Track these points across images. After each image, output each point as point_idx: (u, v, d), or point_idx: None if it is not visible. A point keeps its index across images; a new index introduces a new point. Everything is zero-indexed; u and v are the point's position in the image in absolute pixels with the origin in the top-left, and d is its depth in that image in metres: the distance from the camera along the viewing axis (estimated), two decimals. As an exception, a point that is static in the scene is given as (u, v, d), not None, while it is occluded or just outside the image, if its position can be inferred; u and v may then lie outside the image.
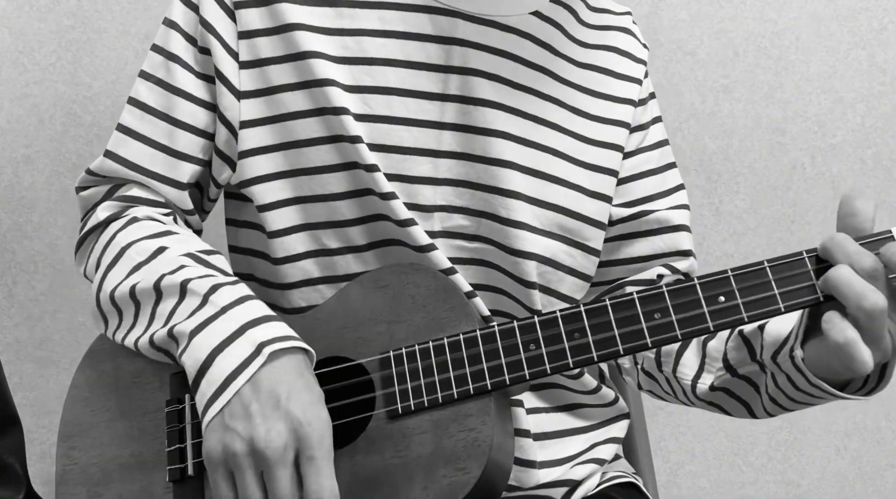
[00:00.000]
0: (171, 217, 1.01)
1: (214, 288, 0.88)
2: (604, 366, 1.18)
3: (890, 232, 0.82)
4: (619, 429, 1.11)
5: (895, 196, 1.68)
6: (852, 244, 0.80)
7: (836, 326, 0.79)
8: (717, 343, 1.02)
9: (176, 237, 0.97)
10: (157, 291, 0.91)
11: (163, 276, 0.91)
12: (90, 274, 1.00)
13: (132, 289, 0.92)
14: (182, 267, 0.91)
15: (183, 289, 0.89)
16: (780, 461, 1.73)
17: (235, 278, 0.92)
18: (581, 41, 1.07)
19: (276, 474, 0.80)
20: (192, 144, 1.00)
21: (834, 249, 0.81)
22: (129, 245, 0.95)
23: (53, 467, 0.96)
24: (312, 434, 0.81)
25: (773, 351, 0.92)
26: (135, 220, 0.99)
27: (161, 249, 0.94)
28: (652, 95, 1.13)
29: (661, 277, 1.09)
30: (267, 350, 0.83)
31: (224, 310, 0.87)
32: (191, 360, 0.85)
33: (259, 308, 0.88)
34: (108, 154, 1.01)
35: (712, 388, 1.02)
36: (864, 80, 1.66)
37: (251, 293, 0.90)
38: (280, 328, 0.86)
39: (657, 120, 1.13)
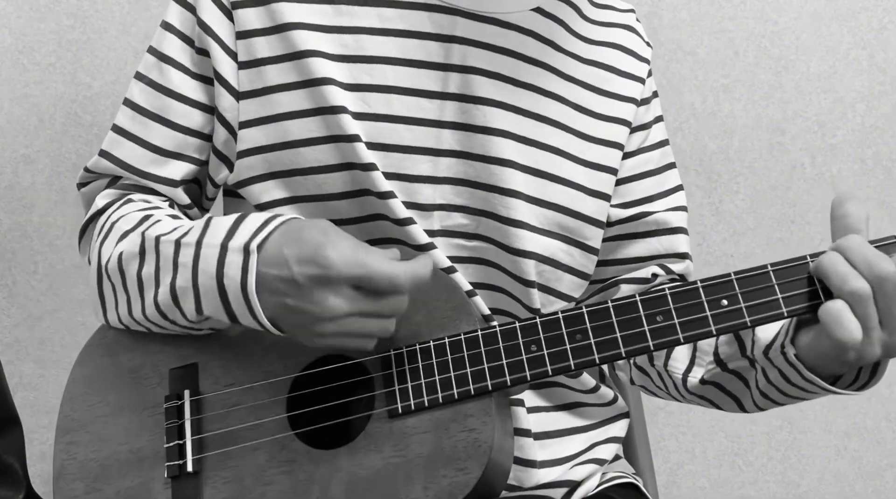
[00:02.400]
0: (168, 203, 1.02)
1: (185, 233, 0.90)
2: (604, 366, 1.18)
3: (895, 238, 0.82)
4: (619, 428, 1.11)
5: (895, 196, 1.68)
6: (869, 248, 0.81)
7: (826, 303, 0.81)
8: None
9: (164, 211, 0.98)
10: (141, 253, 0.92)
11: (143, 234, 0.93)
12: (91, 258, 1.01)
13: (119, 256, 0.94)
14: (158, 222, 0.94)
15: (157, 243, 0.91)
16: (780, 461, 1.73)
17: (205, 217, 0.93)
18: (584, 37, 1.06)
19: (361, 322, 0.83)
20: (183, 144, 1.01)
21: (847, 245, 0.81)
22: (119, 218, 0.97)
23: (52, 468, 0.96)
24: (341, 272, 0.81)
25: (765, 346, 0.92)
26: (129, 201, 1.00)
27: (146, 217, 0.96)
28: (655, 94, 1.13)
29: (655, 275, 1.09)
30: (253, 246, 0.84)
31: (199, 244, 0.88)
32: (210, 303, 0.87)
33: (226, 220, 0.89)
34: (103, 153, 1.03)
35: (702, 381, 1.02)
36: (864, 80, 1.66)
37: (212, 215, 0.91)
38: (252, 223, 0.87)
39: (659, 119, 1.13)
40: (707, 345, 1.02)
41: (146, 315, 0.93)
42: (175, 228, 0.92)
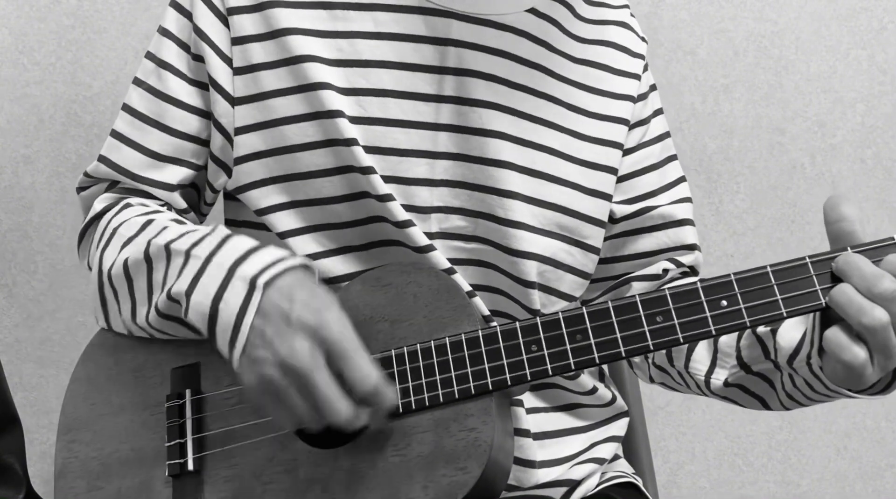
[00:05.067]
0: (166, 207, 1.02)
1: (196, 242, 0.89)
2: (604, 365, 1.18)
3: (893, 239, 0.82)
4: (619, 427, 1.11)
5: (895, 196, 1.68)
6: (869, 266, 0.81)
7: (844, 348, 0.80)
8: (729, 339, 1.02)
9: (166, 215, 0.98)
10: (147, 259, 0.92)
11: (149, 241, 0.92)
12: (92, 263, 1.01)
13: (125, 263, 0.94)
14: (164, 229, 0.93)
15: (168, 251, 0.90)
16: (780, 461, 1.73)
17: (214, 225, 0.93)
18: (578, 37, 1.06)
19: (314, 380, 0.81)
20: (182, 150, 1.01)
21: (850, 271, 0.81)
22: (120, 224, 0.97)
23: (53, 468, 0.96)
24: (331, 333, 0.81)
25: (789, 355, 0.92)
26: (128, 205, 1.01)
27: (149, 222, 0.96)
28: (653, 87, 1.13)
29: (666, 271, 1.09)
30: (260, 282, 0.84)
31: (208, 259, 0.87)
32: (197, 317, 0.86)
33: (242, 244, 0.88)
34: (102, 159, 1.03)
35: (727, 384, 1.02)
36: (864, 80, 1.66)
37: (230, 232, 0.91)
38: (268, 256, 0.86)
39: (658, 112, 1.13)
40: (728, 347, 1.02)
41: (149, 321, 0.93)
42: (183, 235, 0.92)
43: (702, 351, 1.04)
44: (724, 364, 1.02)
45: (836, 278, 0.82)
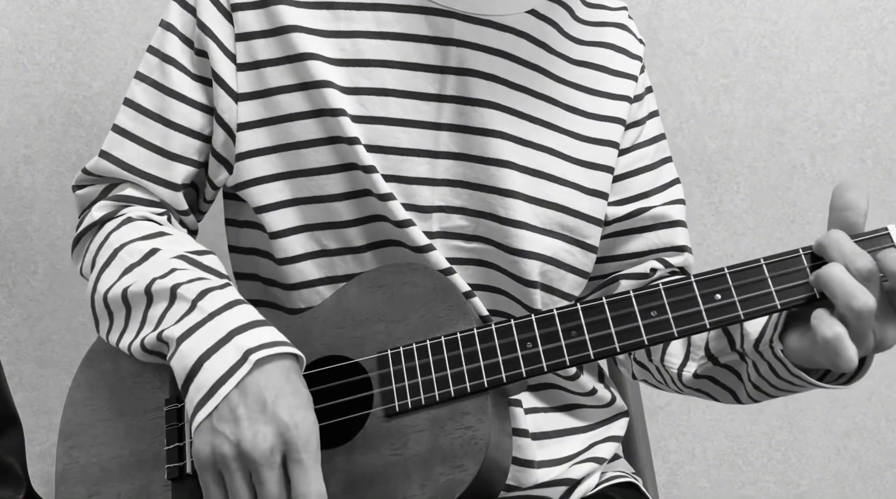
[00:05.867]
0: (166, 217, 1.02)
1: (203, 293, 0.89)
2: (604, 365, 1.18)
3: (886, 229, 0.81)
4: (619, 427, 1.11)
5: (895, 196, 1.68)
6: (849, 243, 0.80)
7: (825, 322, 0.79)
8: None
9: (169, 238, 0.97)
10: (148, 295, 0.91)
11: (154, 280, 0.91)
12: (86, 273, 1.01)
13: (124, 292, 0.93)
14: (173, 270, 0.92)
15: (173, 293, 0.90)
16: (780, 461, 1.72)
17: (225, 281, 0.92)
18: (576, 38, 1.07)
19: (263, 475, 0.81)
20: (186, 146, 1.01)
21: (830, 246, 0.81)
22: (121, 246, 0.96)
23: (53, 468, 0.97)
24: (299, 437, 0.81)
25: (755, 340, 0.92)
26: (129, 220, 0.99)
27: (153, 251, 0.94)
28: (649, 90, 1.13)
29: (654, 270, 1.09)
30: (253, 357, 0.83)
31: (212, 316, 0.87)
32: (179, 365, 0.86)
33: (247, 313, 0.88)
34: (104, 154, 1.02)
35: (696, 376, 1.02)
36: (864, 80, 1.66)
37: (240, 297, 0.90)
38: (268, 334, 0.86)
39: (653, 114, 1.13)
40: (700, 339, 1.02)
41: (131, 349, 0.93)
42: (193, 280, 0.91)
43: (676, 345, 1.04)
44: (695, 357, 1.02)
45: None
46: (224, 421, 0.82)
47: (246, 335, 0.85)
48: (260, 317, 0.88)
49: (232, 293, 0.90)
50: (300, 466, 0.81)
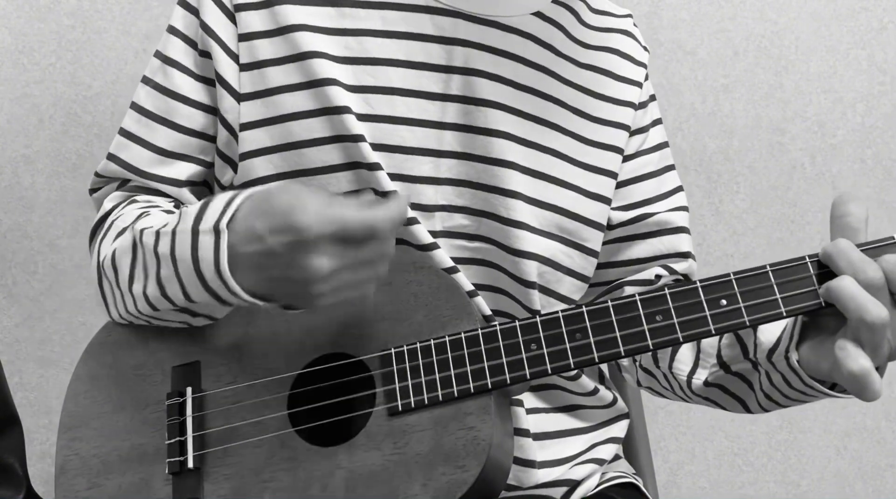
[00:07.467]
0: (174, 204, 1.03)
1: (164, 223, 0.90)
2: (604, 366, 1.18)
3: (893, 238, 0.81)
4: (619, 429, 1.11)
5: (895, 196, 1.68)
6: (856, 252, 0.80)
7: (850, 355, 0.78)
8: (712, 339, 1.02)
9: (164, 207, 0.99)
10: (133, 250, 0.92)
11: (142, 230, 0.92)
12: (93, 258, 1.02)
13: (113, 254, 0.94)
14: (147, 217, 0.94)
15: (141, 241, 0.91)
16: (780, 461, 1.73)
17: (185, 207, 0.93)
18: (582, 42, 1.07)
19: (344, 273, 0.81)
20: (190, 146, 1.02)
21: (837, 256, 0.80)
22: (118, 217, 0.98)
23: (53, 468, 0.97)
24: (308, 225, 0.79)
25: (768, 350, 0.92)
26: (133, 201, 1.01)
27: (142, 214, 0.96)
28: (652, 98, 1.13)
29: (658, 277, 1.09)
30: (222, 225, 0.83)
31: (174, 233, 0.87)
32: (192, 288, 0.86)
33: (194, 207, 0.88)
34: (111, 157, 1.04)
35: (706, 384, 1.02)
36: (864, 80, 1.66)
37: (189, 205, 0.91)
38: (219, 202, 0.86)
39: (657, 122, 1.13)
40: (710, 347, 1.02)
41: (139, 309, 0.93)
42: (161, 222, 0.92)
43: (686, 352, 1.04)
44: (706, 364, 1.02)
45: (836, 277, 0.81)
46: (277, 285, 0.83)
47: (205, 219, 0.85)
48: (206, 198, 0.88)
49: (184, 208, 0.90)
50: (342, 234, 0.80)
